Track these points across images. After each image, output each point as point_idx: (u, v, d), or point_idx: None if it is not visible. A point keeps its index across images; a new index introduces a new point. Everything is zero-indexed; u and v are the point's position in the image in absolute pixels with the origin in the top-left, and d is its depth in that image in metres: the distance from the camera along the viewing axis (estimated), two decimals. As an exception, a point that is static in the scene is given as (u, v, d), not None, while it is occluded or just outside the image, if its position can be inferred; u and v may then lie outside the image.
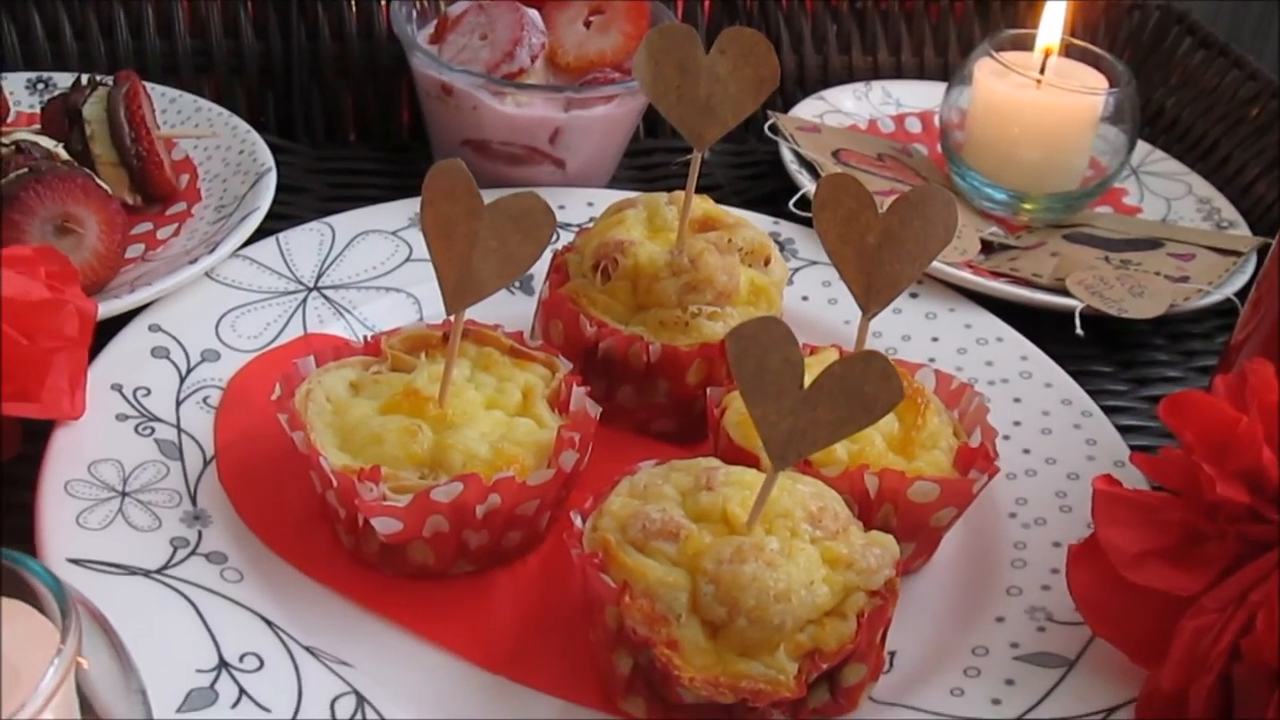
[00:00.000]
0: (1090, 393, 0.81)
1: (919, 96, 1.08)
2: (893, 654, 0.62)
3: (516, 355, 0.68)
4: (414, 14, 0.92)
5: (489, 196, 0.82)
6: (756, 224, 0.87)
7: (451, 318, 0.63)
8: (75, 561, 0.59)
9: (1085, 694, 0.59)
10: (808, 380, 0.54)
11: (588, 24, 0.90)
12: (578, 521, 0.58)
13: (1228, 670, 0.54)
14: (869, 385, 0.53)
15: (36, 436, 0.66)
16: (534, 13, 0.88)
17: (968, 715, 0.58)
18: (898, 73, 1.12)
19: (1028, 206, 0.96)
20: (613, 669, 0.57)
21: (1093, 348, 0.87)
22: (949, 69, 1.11)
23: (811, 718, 0.57)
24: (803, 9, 1.09)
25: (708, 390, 0.68)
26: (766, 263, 0.74)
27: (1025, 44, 0.97)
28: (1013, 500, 0.71)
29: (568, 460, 0.61)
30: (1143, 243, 0.94)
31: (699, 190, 0.92)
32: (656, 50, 0.69)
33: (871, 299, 0.64)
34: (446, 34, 0.89)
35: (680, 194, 0.74)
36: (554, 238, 0.64)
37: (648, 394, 0.71)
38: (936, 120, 1.01)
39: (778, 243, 0.87)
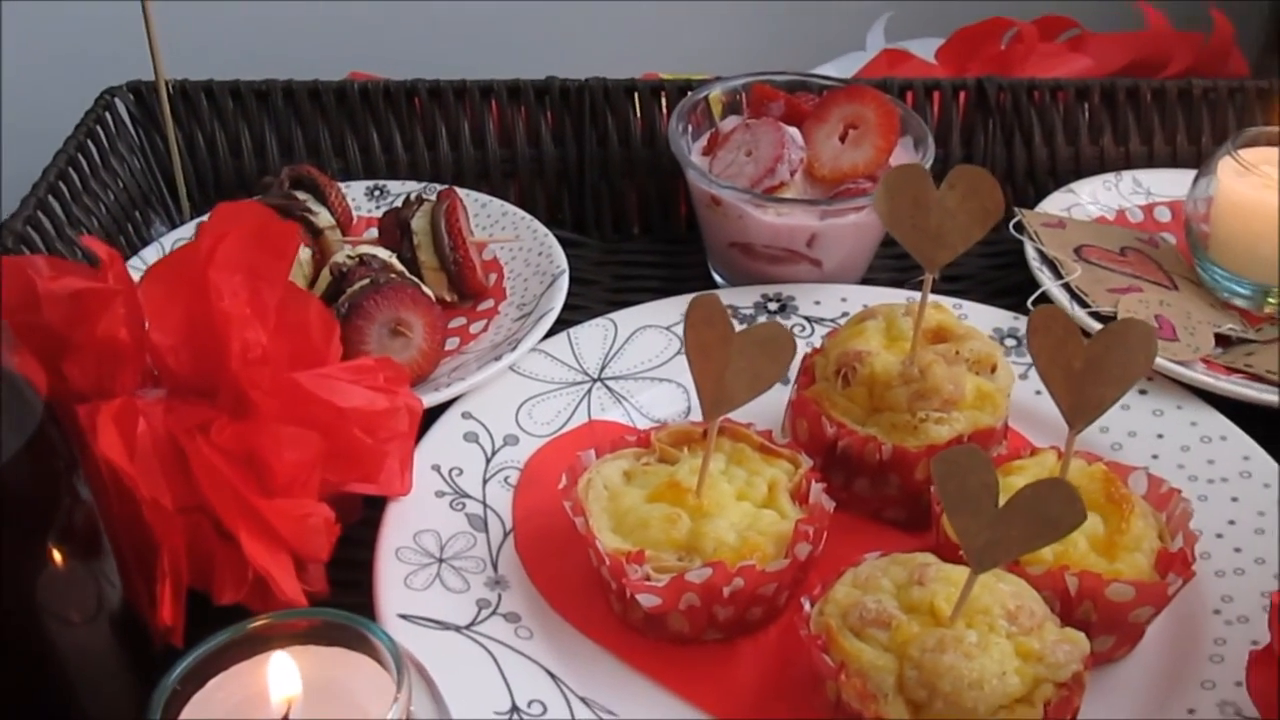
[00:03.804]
0: (1320, 489, 0.86)
1: (1169, 185, 1.13)
2: (1090, 736, 0.70)
3: (765, 451, 0.79)
4: (689, 129, 1.04)
5: (749, 296, 0.95)
6: (998, 319, 0.96)
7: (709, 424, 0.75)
8: (404, 616, 0.73)
9: (1263, 787, 0.65)
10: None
11: (843, 138, 0.99)
12: (807, 606, 0.69)
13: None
14: (1054, 508, 0.61)
15: (371, 504, 0.81)
16: (794, 130, 0.98)
17: (1149, 798, 0.65)
18: (1150, 161, 1.17)
19: (1272, 300, 1.00)
20: (832, 734, 0.67)
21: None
22: (1202, 155, 1.15)
23: (1005, 795, 0.65)
24: (1055, 101, 1.16)
25: (932, 488, 0.77)
26: (993, 370, 0.82)
27: (1268, 140, 1.01)
28: (1219, 597, 0.77)
29: (802, 551, 0.72)
30: (1385, 339, 0.96)
31: (949, 280, 1.02)
32: (893, 186, 0.79)
33: (1077, 417, 0.72)
34: (717, 149, 1.01)
35: (916, 305, 0.83)
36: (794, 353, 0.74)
37: (880, 487, 0.81)
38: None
39: (1015, 338, 0.95)
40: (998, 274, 1.09)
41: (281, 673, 0.57)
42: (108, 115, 1.11)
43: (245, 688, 0.59)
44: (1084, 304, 0.97)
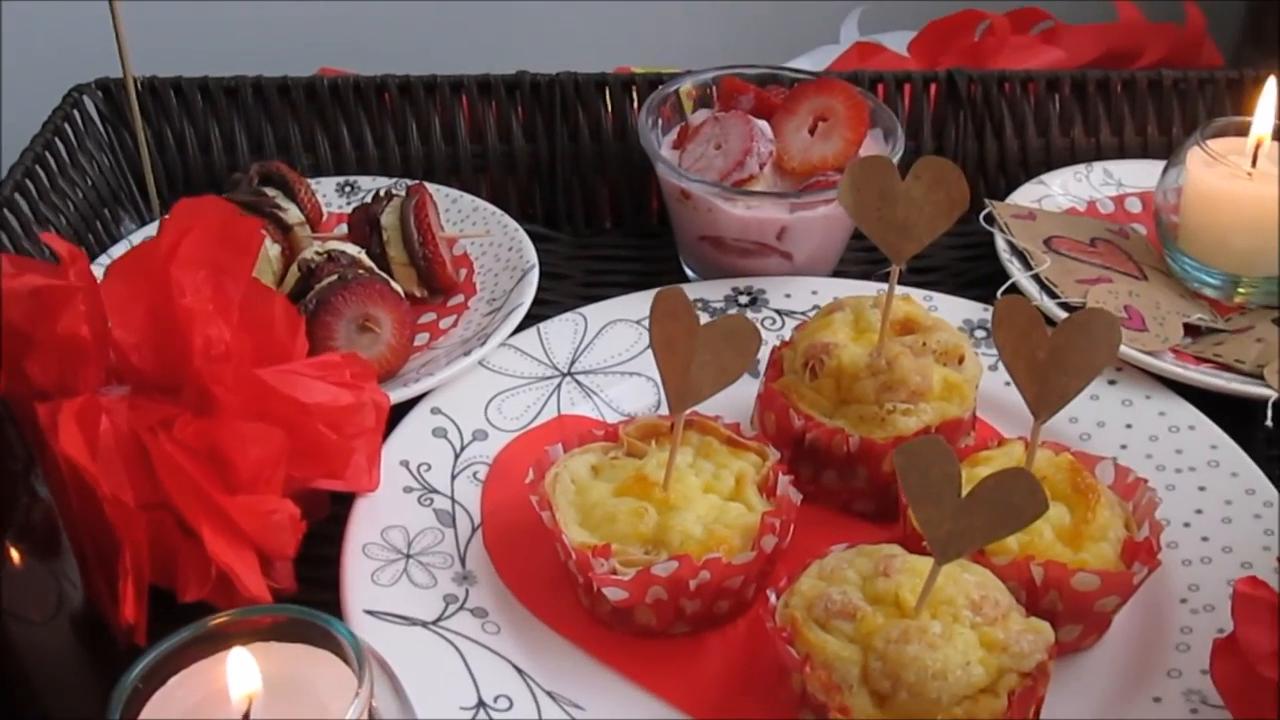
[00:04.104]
0: (1289, 479, 0.86)
1: (1140, 176, 1.13)
2: (1056, 725, 0.70)
3: (733, 444, 0.79)
4: (659, 123, 1.04)
5: (720, 289, 0.95)
6: (968, 311, 0.96)
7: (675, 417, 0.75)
8: (370, 613, 0.73)
9: (1226, 774, 0.65)
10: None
11: (812, 130, 0.99)
12: (772, 598, 0.69)
13: (1352, 763, 0.59)
14: (1016, 498, 0.61)
15: (340, 501, 0.81)
16: (763, 123, 0.98)
17: (1112, 786, 0.65)
18: (1120, 152, 1.17)
19: (1243, 290, 1.00)
20: (799, 726, 0.67)
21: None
22: (1173, 146, 1.15)
23: (973, 780, 0.66)
24: (1025, 93, 1.16)
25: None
26: (960, 361, 0.82)
27: (1236, 130, 1.01)
28: (1185, 586, 0.77)
29: (768, 543, 0.72)
30: (1352, 328, 0.96)
31: (920, 272, 1.02)
32: (859, 178, 0.79)
33: (1042, 407, 0.72)
34: (687, 143, 1.01)
35: (884, 297, 0.83)
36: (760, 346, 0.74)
37: (849, 479, 0.81)
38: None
39: (985, 329, 0.95)
40: (968, 266, 1.09)
41: (241, 669, 0.57)
42: (76, 113, 1.10)
43: (206, 685, 0.59)
44: (1053, 295, 0.97)
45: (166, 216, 0.75)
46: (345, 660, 0.59)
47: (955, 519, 0.62)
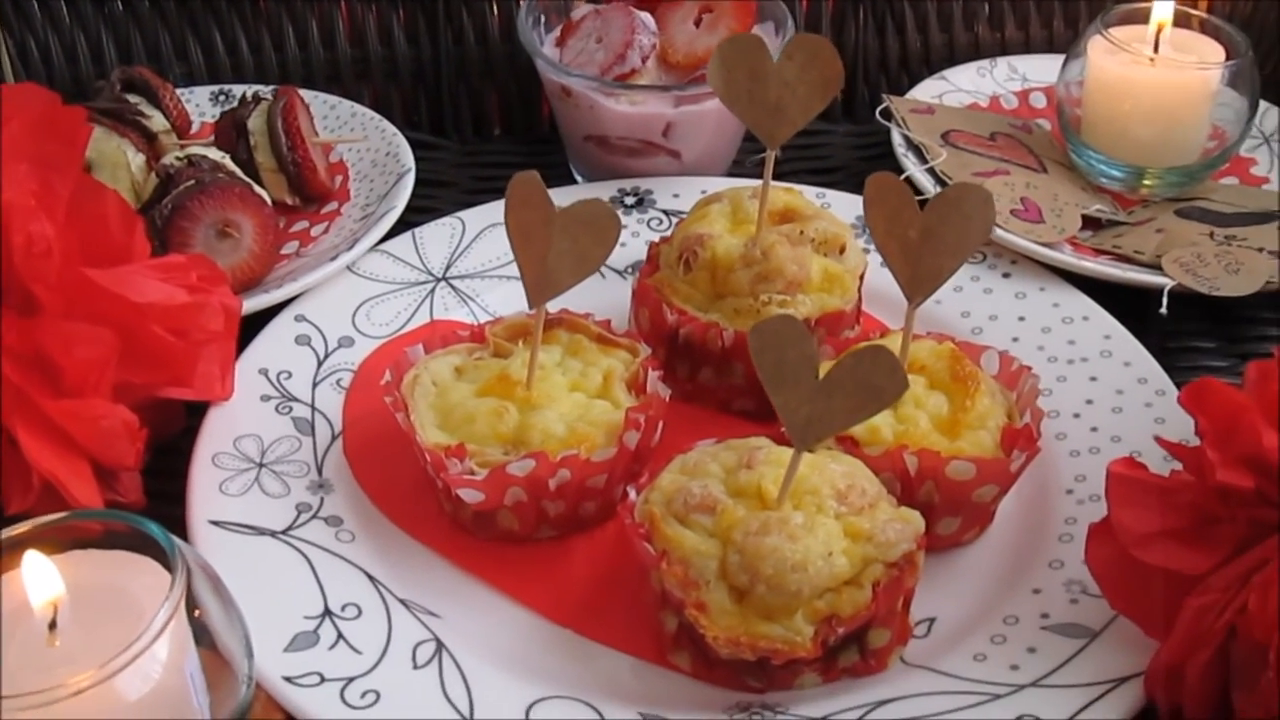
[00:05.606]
0: (1187, 369, 0.84)
1: (1044, 70, 1.10)
2: (932, 620, 0.67)
3: (603, 341, 0.75)
4: (542, 19, 0.99)
5: (605, 191, 0.91)
6: (860, 207, 0.93)
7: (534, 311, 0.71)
8: (215, 523, 0.69)
9: (1102, 664, 0.63)
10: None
11: (698, 23, 0.95)
12: (632, 495, 0.66)
13: (1225, 646, 0.57)
14: (877, 377, 0.58)
15: (199, 414, 0.77)
16: (645, 15, 0.94)
17: (983, 679, 0.63)
18: (1026, 47, 1.13)
19: (1148, 182, 0.97)
20: (662, 626, 0.64)
21: (1199, 323, 0.89)
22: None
23: (842, 675, 0.63)
24: (928, -12, 1.12)
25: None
26: (842, 251, 0.79)
27: (1141, 18, 0.98)
28: (1072, 477, 0.74)
29: (631, 439, 0.68)
30: (1255, 216, 0.94)
31: (819, 173, 0.99)
32: (728, 58, 0.75)
33: (916, 289, 0.69)
34: (568, 38, 0.96)
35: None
36: (620, 240, 0.70)
37: (726, 376, 0.77)
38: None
39: (879, 225, 0.92)
40: (868, 165, 1.03)
41: (37, 576, 0.53)
42: (-70, 22, 1.05)
43: (13, 597, 0.55)
44: (949, 189, 0.94)
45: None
46: (166, 565, 0.55)
47: (813, 402, 0.59)
